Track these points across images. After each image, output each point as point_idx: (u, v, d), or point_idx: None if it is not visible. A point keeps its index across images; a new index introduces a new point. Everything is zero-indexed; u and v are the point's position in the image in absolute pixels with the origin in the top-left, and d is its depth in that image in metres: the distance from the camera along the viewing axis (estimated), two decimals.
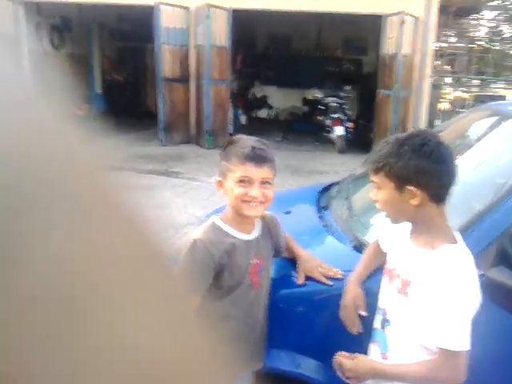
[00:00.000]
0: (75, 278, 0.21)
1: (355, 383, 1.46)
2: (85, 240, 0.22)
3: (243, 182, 1.45)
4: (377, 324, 1.49)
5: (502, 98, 11.84)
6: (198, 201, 5.97)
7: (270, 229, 1.66)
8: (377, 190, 1.38)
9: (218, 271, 1.46)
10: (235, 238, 1.51)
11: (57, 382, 0.20)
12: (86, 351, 0.20)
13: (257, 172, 1.45)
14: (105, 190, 0.27)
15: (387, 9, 9.43)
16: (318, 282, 1.66)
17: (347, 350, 1.61)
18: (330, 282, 1.65)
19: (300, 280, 1.67)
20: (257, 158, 1.46)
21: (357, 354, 1.46)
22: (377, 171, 1.34)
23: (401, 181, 1.29)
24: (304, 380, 1.69)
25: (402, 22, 9.06)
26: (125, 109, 14.07)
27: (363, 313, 1.58)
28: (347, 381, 1.46)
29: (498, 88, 13.33)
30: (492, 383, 1.56)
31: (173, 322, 0.25)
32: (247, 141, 1.50)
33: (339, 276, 1.67)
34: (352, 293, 1.59)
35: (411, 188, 1.27)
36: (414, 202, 1.28)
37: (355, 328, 1.57)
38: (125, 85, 15.30)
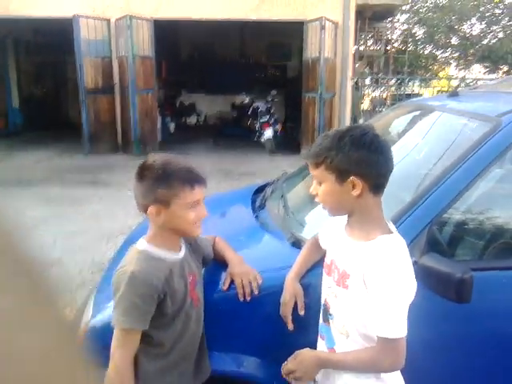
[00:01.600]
0: None
1: (307, 381, 1.45)
2: None
3: (194, 206, 1.42)
4: (321, 319, 1.50)
5: (419, 95, 12.49)
6: (129, 209, 5.78)
7: (191, 240, 1.61)
8: (316, 184, 1.38)
9: (161, 300, 1.40)
10: (168, 260, 1.45)
11: None
12: None
13: (202, 192, 1.44)
14: None
15: (308, 15, 9.73)
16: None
17: (288, 344, 1.61)
18: (242, 294, 1.61)
19: (225, 285, 1.66)
20: (200, 178, 1.44)
21: (296, 352, 1.47)
22: (317, 165, 1.35)
23: (342, 172, 1.30)
24: (247, 379, 1.67)
25: (322, 28, 9.34)
26: (46, 122, 13.48)
27: (301, 312, 1.59)
28: (299, 383, 1.45)
29: (413, 87, 14.06)
30: (425, 367, 1.61)
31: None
32: (176, 162, 1.43)
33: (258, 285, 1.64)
34: (291, 290, 1.60)
35: (352, 178, 1.29)
36: (355, 192, 1.30)
37: (290, 325, 1.59)
38: (44, 98, 14.67)
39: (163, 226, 1.44)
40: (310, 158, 1.38)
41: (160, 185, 1.39)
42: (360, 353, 1.35)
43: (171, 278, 1.43)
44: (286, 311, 1.59)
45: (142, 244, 1.46)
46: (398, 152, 2.25)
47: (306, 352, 1.45)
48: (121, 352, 1.37)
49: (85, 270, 4.11)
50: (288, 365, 1.44)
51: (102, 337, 1.69)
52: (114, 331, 1.38)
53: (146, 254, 1.43)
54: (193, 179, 1.41)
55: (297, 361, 1.42)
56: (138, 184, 1.43)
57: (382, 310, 1.26)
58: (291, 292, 1.59)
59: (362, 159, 1.28)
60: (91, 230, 5.15)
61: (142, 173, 1.42)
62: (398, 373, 1.39)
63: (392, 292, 1.25)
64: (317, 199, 1.40)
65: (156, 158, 1.44)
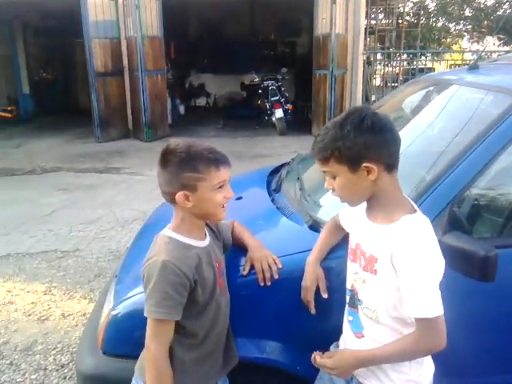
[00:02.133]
0: None
1: (345, 377, 1.43)
2: None
3: (220, 187, 1.39)
4: (348, 304, 1.47)
5: (432, 70, 12.24)
6: (143, 195, 5.81)
7: (213, 226, 1.59)
8: (330, 179, 1.35)
9: (192, 289, 1.37)
10: (197, 247, 1.43)
11: None
12: None
13: (227, 172, 1.41)
14: None
15: None
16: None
17: (310, 328, 1.61)
18: (262, 279, 1.59)
19: (245, 270, 1.64)
20: (224, 159, 1.41)
21: (333, 351, 1.44)
22: (327, 160, 1.31)
23: (354, 161, 1.27)
24: (270, 364, 1.66)
25: (334, 2, 9.14)
26: (56, 108, 13.50)
27: (324, 295, 1.57)
28: (337, 376, 1.42)
29: (426, 61, 13.79)
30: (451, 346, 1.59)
31: None
32: (199, 144, 1.40)
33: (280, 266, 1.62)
34: (312, 274, 1.57)
35: (366, 164, 1.26)
36: (372, 177, 1.27)
37: (312, 309, 1.57)
38: (54, 83, 14.66)
39: (190, 212, 1.41)
40: (316, 155, 1.34)
41: (185, 169, 1.35)
42: (399, 342, 1.31)
43: (200, 265, 1.40)
44: (308, 296, 1.57)
45: (168, 233, 1.43)
46: (418, 129, 2.20)
47: (343, 353, 1.43)
48: (156, 343, 1.36)
49: (101, 258, 4.12)
50: (323, 361, 1.40)
51: (123, 327, 1.70)
52: (148, 322, 1.36)
53: (175, 243, 1.40)
54: (218, 160, 1.38)
55: (335, 360, 1.38)
56: (162, 171, 1.39)
57: (415, 290, 1.23)
58: (313, 276, 1.57)
59: (370, 143, 1.25)
60: (105, 217, 5.18)
61: (165, 158, 1.38)
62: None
63: (422, 272, 1.23)
64: (334, 194, 1.37)
65: (178, 142, 1.41)
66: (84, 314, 3.21)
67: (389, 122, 1.31)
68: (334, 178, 1.33)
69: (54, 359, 2.77)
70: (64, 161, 8.07)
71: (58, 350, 2.85)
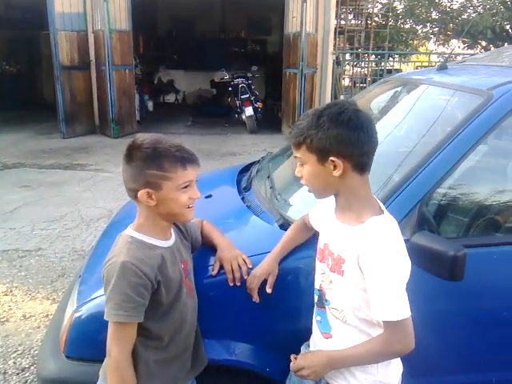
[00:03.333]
0: None
1: (315, 379, 1.40)
2: None
3: (186, 187, 1.33)
4: (316, 304, 1.46)
5: (399, 71, 12.44)
6: (109, 193, 5.69)
7: (180, 225, 1.54)
8: (300, 166, 1.33)
9: (155, 289, 1.32)
10: (161, 247, 1.38)
11: None
12: None
13: (195, 172, 1.35)
14: None
15: None
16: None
17: (280, 329, 1.59)
18: (232, 279, 1.56)
19: (214, 270, 1.60)
20: (192, 158, 1.35)
21: (306, 352, 1.43)
22: (299, 145, 1.29)
23: (322, 152, 1.25)
24: (239, 366, 1.62)
25: (304, 1, 9.16)
26: (20, 102, 13.09)
27: (269, 290, 1.54)
28: (308, 378, 1.40)
29: (393, 62, 14.01)
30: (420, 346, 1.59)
31: None
32: (166, 141, 1.33)
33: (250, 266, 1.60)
34: (266, 267, 1.56)
35: (333, 158, 1.24)
36: (337, 172, 1.25)
37: (255, 297, 1.55)
38: (18, 76, 14.20)
39: (154, 212, 1.35)
40: (291, 139, 1.32)
41: (150, 166, 1.30)
42: (368, 345, 1.30)
43: (164, 266, 1.35)
44: (253, 283, 1.54)
45: (130, 232, 1.37)
46: (386, 128, 2.20)
47: (314, 354, 1.42)
48: (118, 347, 1.30)
49: (65, 258, 4.00)
50: (298, 363, 1.39)
51: (87, 330, 1.63)
52: (109, 326, 1.30)
53: (137, 243, 1.34)
54: (185, 159, 1.32)
55: (307, 360, 1.37)
56: (127, 166, 1.33)
57: (381, 293, 1.22)
58: (266, 269, 1.56)
59: (342, 137, 1.23)
60: (70, 215, 5.04)
61: (131, 153, 1.32)
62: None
63: (389, 274, 1.22)
64: (302, 181, 1.35)
65: (145, 137, 1.34)
66: (46, 316, 3.10)
67: (368, 122, 1.27)
68: (304, 165, 1.31)
69: (15, 362, 2.66)
70: (27, 157, 7.83)
71: (18, 352, 2.75)
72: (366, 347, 1.30)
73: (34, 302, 3.28)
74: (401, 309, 1.22)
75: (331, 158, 1.24)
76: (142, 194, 1.31)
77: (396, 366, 1.39)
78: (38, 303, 3.27)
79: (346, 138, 1.23)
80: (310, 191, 1.37)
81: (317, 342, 1.47)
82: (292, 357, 1.42)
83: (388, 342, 1.26)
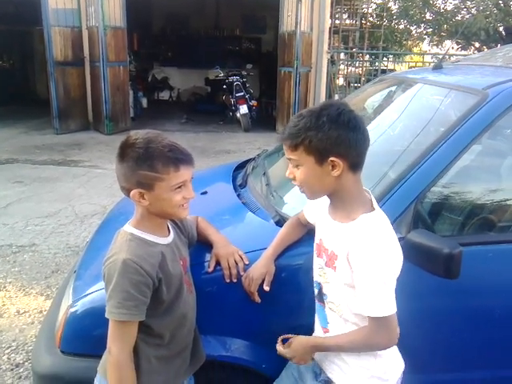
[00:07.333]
0: None
1: (304, 363, 1.44)
2: None
3: (180, 187, 1.32)
4: (316, 298, 1.47)
5: (393, 71, 12.47)
6: (103, 189, 5.67)
7: (177, 221, 1.53)
8: (293, 167, 1.32)
9: (156, 287, 1.32)
10: (160, 244, 1.37)
11: None
12: None
13: (189, 172, 1.33)
14: None
15: None
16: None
17: (276, 325, 1.59)
18: (228, 276, 1.57)
19: (210, 267, 1.59)
20: (185, 158, 1.32)
21: (290, 340, 1.44)
22: (296, 147, 1.28)
23: (322, 153, 1.25)
24: (235, 362, 1.63)
25: (299, 0, 9.16)
26: (13, 97, 12.99)
27: (266, 288, 1.55)
28: (292, 361, 1.44)
29: (387, 62, 14.04)
30: (415, 343, 1.60)
31: None
32: (160, 140, 1.30)
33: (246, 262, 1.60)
34: (262, 268, 1.56)
35: (333, 159, 1.25)
36: (335, 172, 1.26)
37: (256, 299, 1.56)
38: (11, 71, 14.10)
39: (148, 210, 1.34)
40: (286, 139, 1.30)
41: (142, 166, 1.27)
42: (353, 334, 1.34)
43: (165, 263, 1.35)
44: (251, 287, 1.55)
45: (129, 229, 1.36)
46: (382, 127, 2.21)
47: (298, 340, 1.43)
48: (118, 345, 1.29)
49: (59, 253, 3.98)
50: (281, 350, 1.43)
51: (82, 325, 1.63)
52: (109, 324, 1.29)
53: (137, 240, 1.33)
54: (177, 159, 1.30)
55: (291, 349, 1.41)
56: (120, 165, 1.31)
57: (367, 289, 1.24)
58: (262, 270, 1.56)
59: (342, 138, 1.24)
60: (64, 211, 5.01)
61: (123, 152, 1.30)
62: (395, 348, 1.39)
63: (376, 270, 1.23)
64: (294, 183, 1.35)
65: (138, 135, 1.31)
66: (40, 312, 3.09)
67: (362, 122, 1.30)
68: (298, 166, 1.31)
69: (9, 358, 2.65)
70: (20, 152, 7.78)
71: (12, 348, 2.74)
72: (349, 338, 1.34)
73: (28, 298, 3.26)
74: (386, 305, 1.24)
75: (331, 159, 1.25)
76: (134, 193, 1.30)
77: (395, 363, 1.41)
78: (31, 299, 3.26)
79: (346, 139, 1.24)
80: (302, 192, 1.37)
81: (317, 336, 1.49)
82: (279, 339, 1.45)
83: (371, 336, 1.28)
